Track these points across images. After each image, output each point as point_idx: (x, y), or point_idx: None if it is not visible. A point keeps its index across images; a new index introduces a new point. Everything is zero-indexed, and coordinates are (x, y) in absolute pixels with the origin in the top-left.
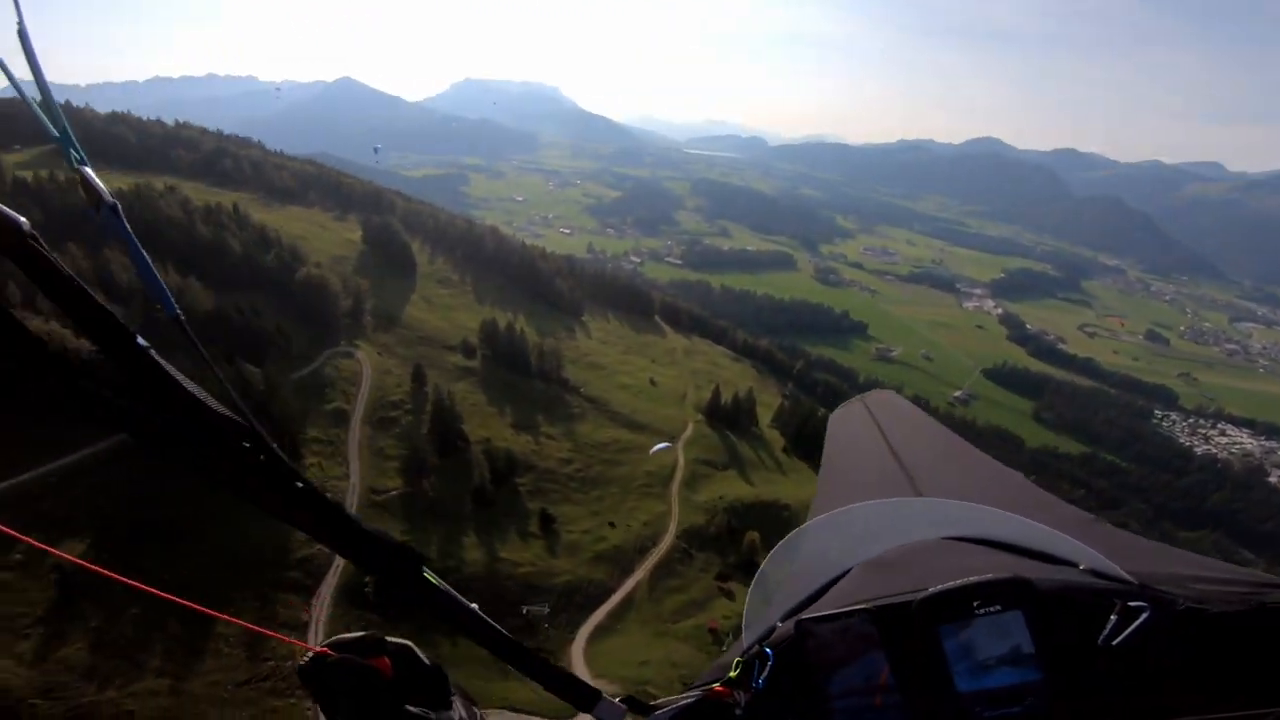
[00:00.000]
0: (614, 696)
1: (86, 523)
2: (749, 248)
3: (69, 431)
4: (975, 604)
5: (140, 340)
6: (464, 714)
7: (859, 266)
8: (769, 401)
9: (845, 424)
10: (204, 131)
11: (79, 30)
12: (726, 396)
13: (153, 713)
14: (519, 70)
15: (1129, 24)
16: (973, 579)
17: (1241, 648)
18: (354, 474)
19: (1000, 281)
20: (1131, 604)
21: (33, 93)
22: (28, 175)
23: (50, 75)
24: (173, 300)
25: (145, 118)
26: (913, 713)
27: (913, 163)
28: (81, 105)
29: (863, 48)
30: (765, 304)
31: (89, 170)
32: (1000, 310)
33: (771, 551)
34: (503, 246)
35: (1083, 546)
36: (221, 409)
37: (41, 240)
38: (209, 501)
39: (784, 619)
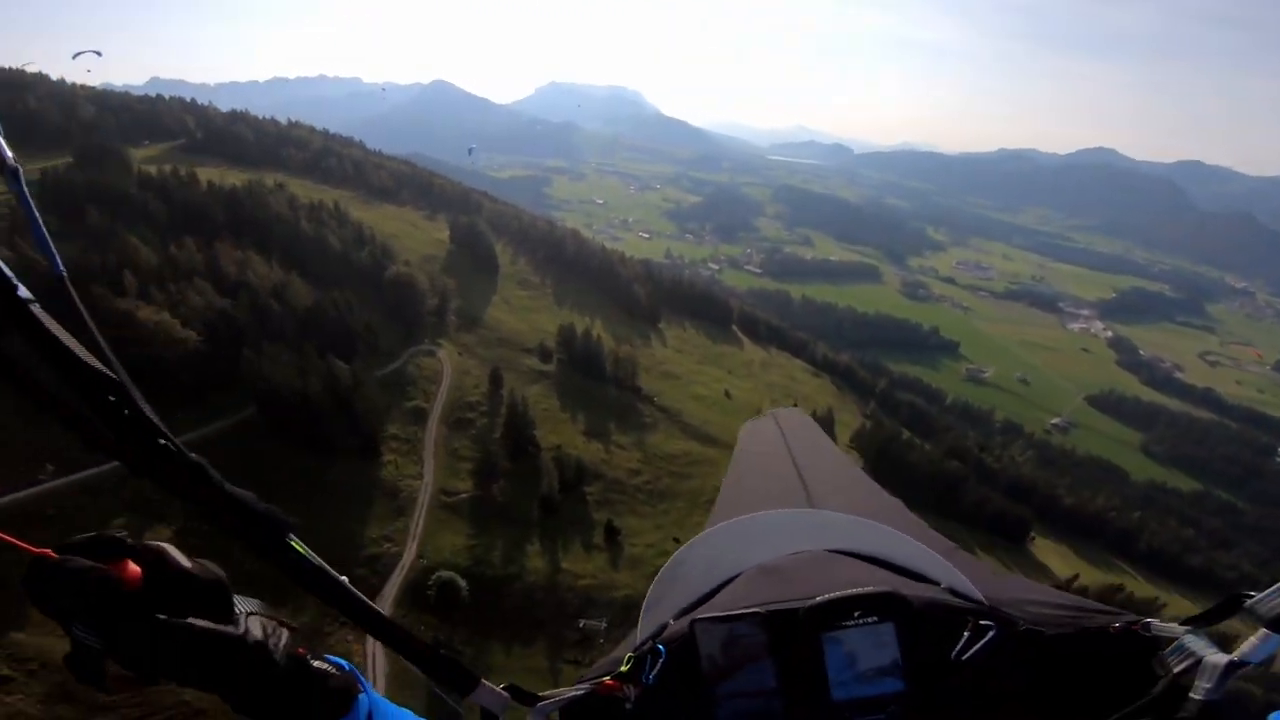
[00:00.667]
0: (498, 685)
1: (180, 508)
2: (831, 258)
3: (184, 421)
4: (856, 614)
5: (22, 291)
6: (256, 629)
7: (950, 281)
8: (848, 421)
9: (755, 436)
10: (312, 130)
11: (211, 33)
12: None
13: (211, 702)
14: (602, 74)
15: (1263, 30)
16: (855, 590)
17: (1070, 668)
18: (428, 473)
19: (1110, 302)
20: (982, 623)
21: None
22: (153, 170)
23: (183, 74)
24: (59, 259)
25: (262, 116)
26: (791, 717)
27: (1014, 173)
28: (207, 104)
29: (957, 54)
30: (847, 317)
31: None
32: (1110, 333)
33: (674, 554)
34: (583, 250)
35: (947, 566)
36: (92, 361)
37: None
38: (291, 497)
39: (677, 617)
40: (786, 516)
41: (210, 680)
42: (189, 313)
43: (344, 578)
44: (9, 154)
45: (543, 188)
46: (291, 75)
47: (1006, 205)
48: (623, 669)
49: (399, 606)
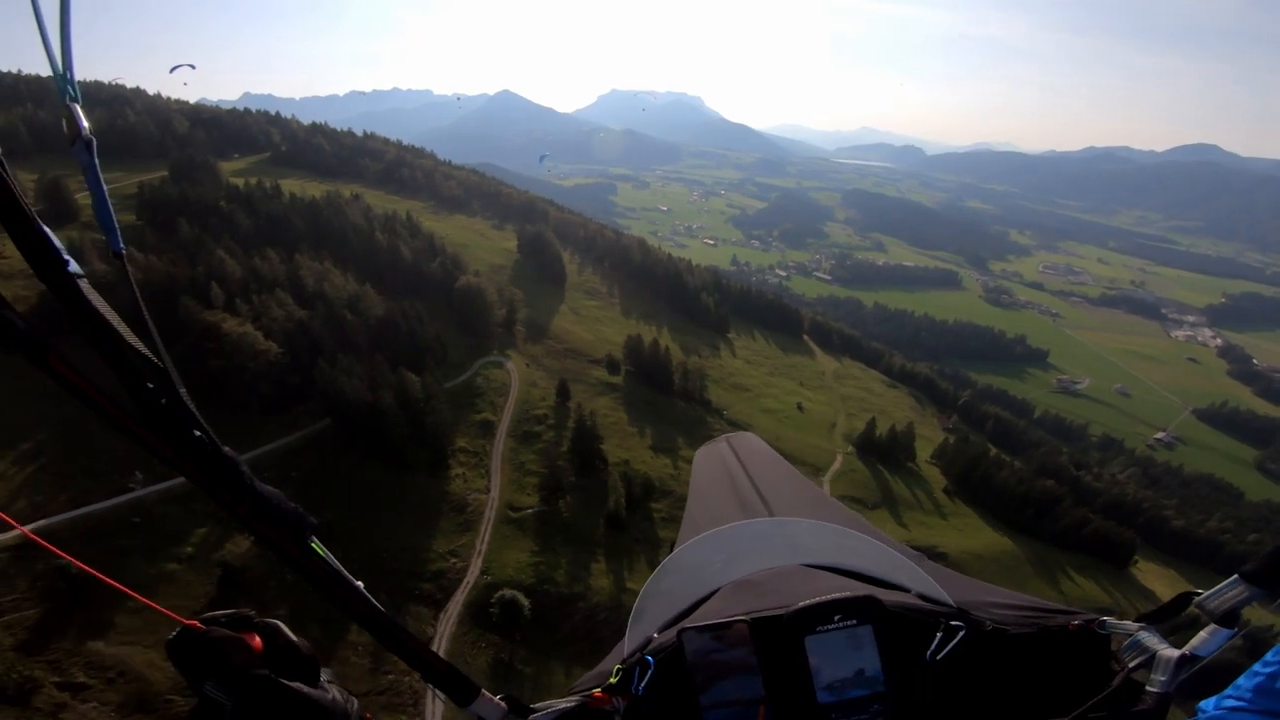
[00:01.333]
0: (497, 697)
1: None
2: (906, 263)
3: (249, 427)
4: (837, 617)
5: (72, 266)
6: (338, 696)
7: (1038, 287)
8: (929, 435)
9: (709, 460)
10: (386, 142)
11: (295, 50)
12: (882, 428)
13: None
14: (662, 81)
15: None
16: (834, 595)
17: (1034, 665)
18: (495, 488)
19: (1221, 308)
20: (953, 624)
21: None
22: (239, 182)
23: (272, 89)
24: (119, 237)
25: (340, 129)
26: None
27: (1105, 172)
28: (291, 117)
29: (1021, 50)
30: (925, 325)
31: (78, 107)
32: (1219, 341)
33: (655, 570)
34: (649, 258)
35: (915, 572)
36: (137, 344)
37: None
38: (362, 510)
39: (662, 629)
40: (761, 525)
41: None
42: (270, 324)
43: (359, 583)
44: (85, 124)
45: (608, 195)
46: (367, 89)
47: (1098, 207)
48: (611, 681)
49: (462, 624)
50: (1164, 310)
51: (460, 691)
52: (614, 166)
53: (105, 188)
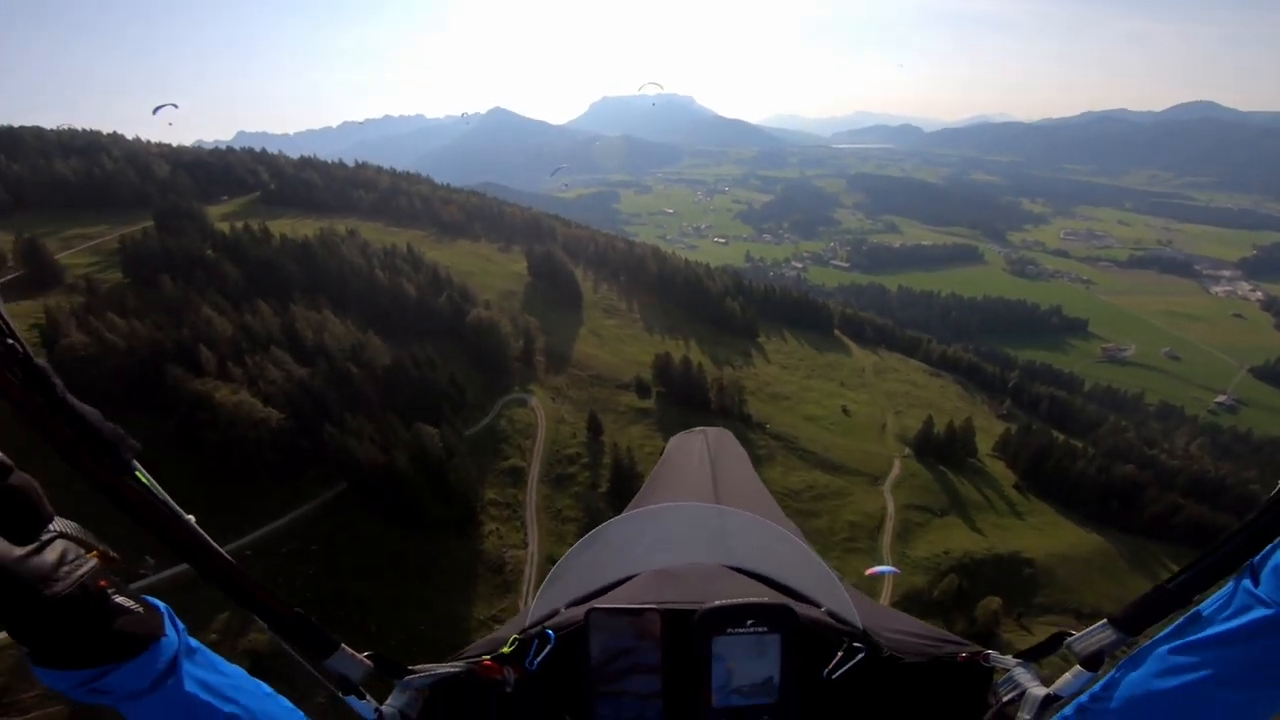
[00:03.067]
0: (362, 654)
1: (289, 590)
2: (924, 243)
3: (258, 499)
4: (749, 621)
5: None
6: (48, 556)
7: (1063, 254)
8: (984, 425)
9: (681, 446)
10: (379, 171)
11: (285, 85)
12: (939, 425)
13: None
14: (640, 90)
15: None
16: (751, 599)
17: (921, 693)
18: (532, 541)
19: (1254, 260)
20: (855, 645)
21: None
22: (226, 227)
23: (265, 126)
24: None
25: (330, 160)
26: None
27: (1106, 135)
28: (289, 152)
29: (1021, 21)
30: (953, 304)
31: None
32: (1260, 294)
33: (576, 542)
34: (666, 266)
35: (832, 589)
36: None
37: None
38: (398, 580)
39: (569, 605)
40: (696, 510)
41: None
42: (268, 387)
43: (191, 517)
44: None
45: (611, 204)
46: (359, 118)
47: (1105, 169)
48: (504, 650)
49: None
50: (1197, 267)
51: (315, 644)
52: (614, 174)
53: None
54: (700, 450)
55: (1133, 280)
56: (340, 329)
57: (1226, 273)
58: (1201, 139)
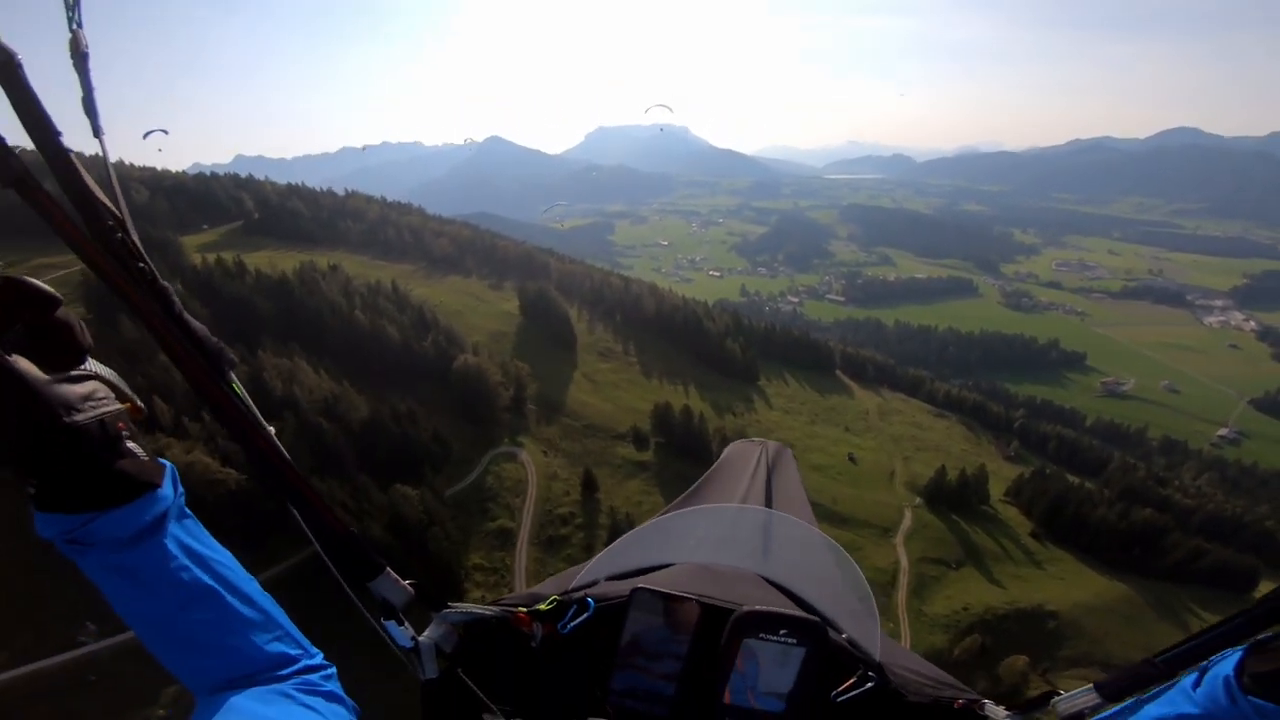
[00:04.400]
0: (405, 580)
1: None
2: (918, 275)
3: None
4: (783, 631)
5: (63, 139)
6: (74, 389)
7: (1056, 286)
8: (992, 468)
9: (741, 453)
10: (369, 200)
11: (285, 109)
12: (950, 473)
13: None
14: (647, 114)
15: None
16: (789, 611)
17: None
18: None
19: (1244, 289)
20: (868, 674)
21: None
22: (198, 260)
23: (264, 150)
24: (100, 120)
25: (322, 189)
26: (677, 705)
27: (1094, 163)
28: (287, 177)
29: (995, 50)
30: (951, 339)
31: (83, 32)
32: (1254, 324)
33: (645, 522)
34: (663, 305)
35: (860, 622)
36: (102, 197)
37: None
38: (377, 659)
39: (610, 579)
40: (759, 515)
41: None
42: (228, 444)
43: (271, 429)
44: (87, 45)
45: (606, 235)
46: (358, 144)
47: (1092, 197)
48: (542, 608)
49: None
50: (1189, 297)
51: (363, 566)
52: (609, 204)
53: (94, 87)
54: (759, 461)
55: (1127, 311)
56: (312, 378)
57: (1219, 302)
58: (1186, 166)
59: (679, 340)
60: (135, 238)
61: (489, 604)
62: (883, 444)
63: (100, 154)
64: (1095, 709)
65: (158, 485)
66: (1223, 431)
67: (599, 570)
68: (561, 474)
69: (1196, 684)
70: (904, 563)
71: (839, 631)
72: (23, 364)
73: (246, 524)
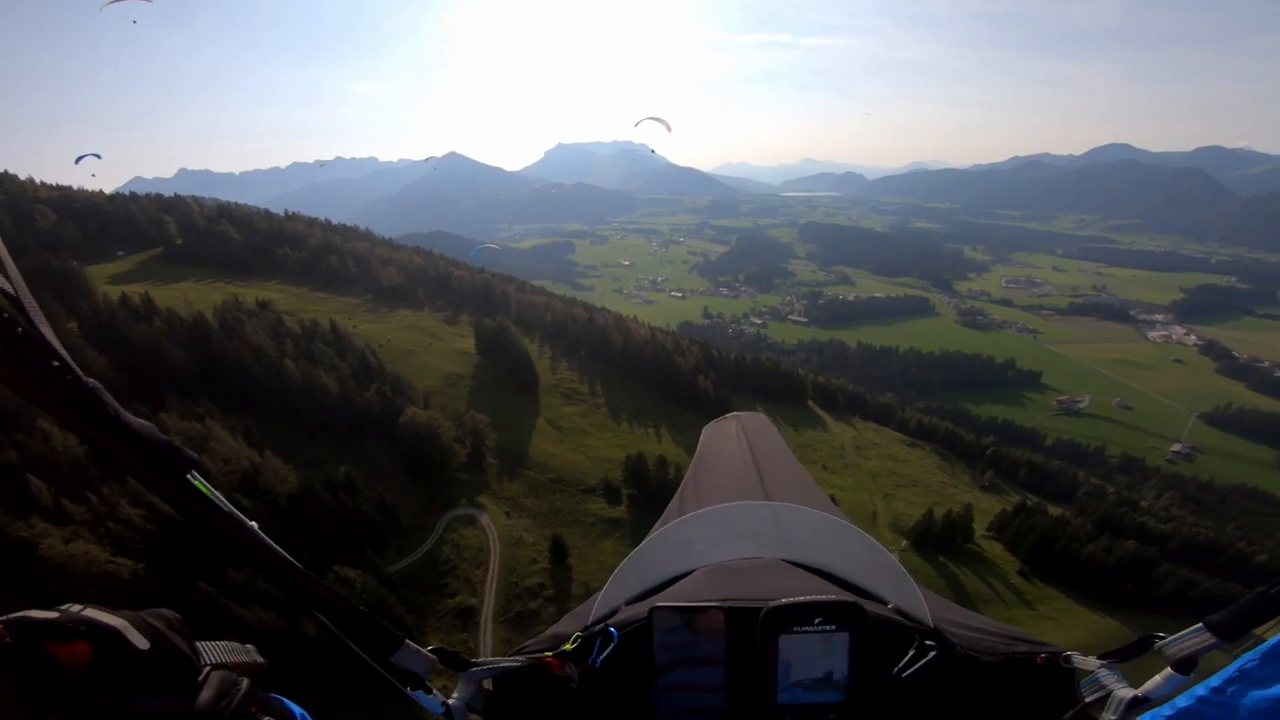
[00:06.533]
0: (426, 648)
1: None
2: (877, 295)
3: None
4: (817, 620)
5: None
6: (207, 694)
7: (1007, 303)
8: (969, 498)
9: (716, 436)
10: (311, 223)
11: (237, 121)
12: (934, 510)
13: None
14: (607, 131)
15: (1249, 13)
16: (819, 597)
17: (997, 693)
18: None
19: (1182, 303)
20: (926, 643)
21: None
22: (113, 293)
23: (209, 165)
24: None
25: (261, 207)
26: (730, 717)
27: (1033, 180)
28: (234, 193)
29: (942, 69)
30: (913, 360)
31: None
32: (1194, 338)
33: (641, 542)
34: (631, 340)
35: (900, 584)
36: None
37: None
38: None
39: (630, 602)
40: (756, 508)
41: None
42: (119, 530)
43: (254, 523)
44: None
45: (566, 255)
46: (309, 159)
47: (1035, 214)
48: (567, 648)
49: None
50: (1132, 312)
51: (381, 642)
52: (569, 223)
53: None
54: (738, 440)
55: (1075, 328)
56: (229, 445)
57: (1159, 317)
58: (1120, 181)
59: (648, 376)
60: (41, 325)
61: (512, 654)
62: (862, 481)
63: None
64: (1208, 649)
65: None
66: (1176, 447)
67: (615, 596)
68: (527, 538)
69: None
70: None
71: (884, 602)
72: (151, 702)
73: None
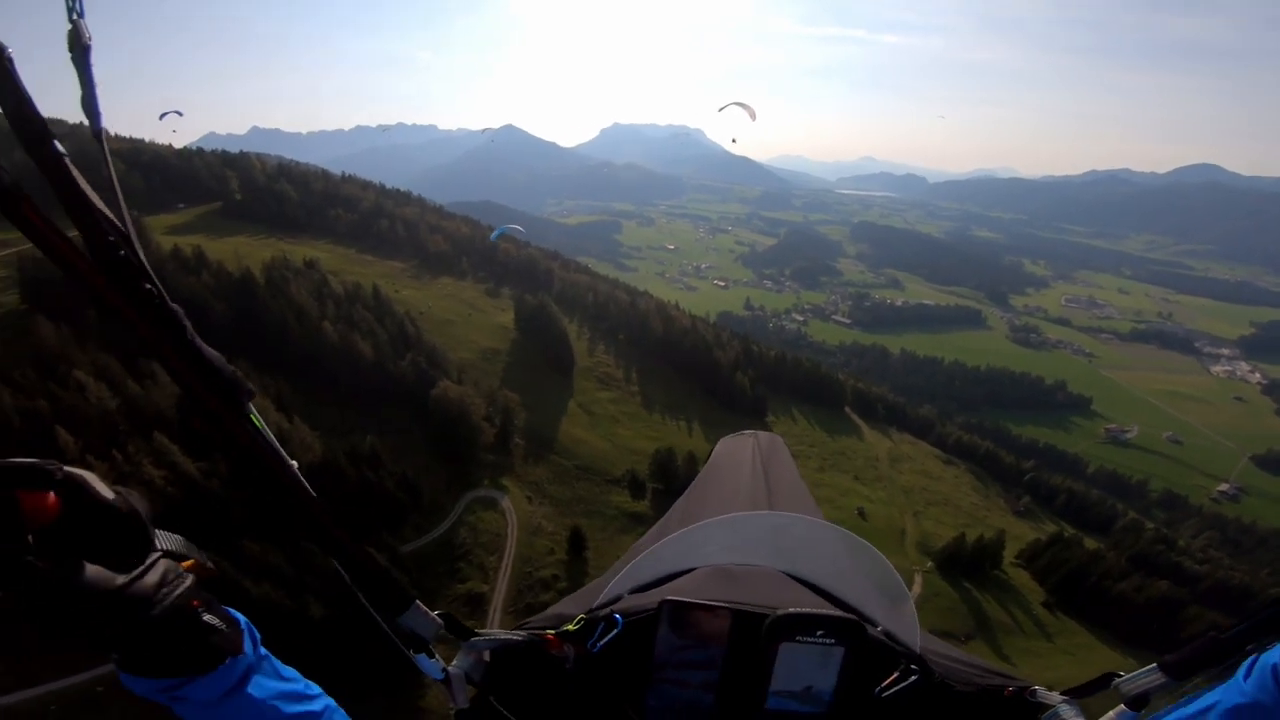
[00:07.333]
0: (433, 611)
1: None
2: (927, 302)
3: None
4: (819, 632)
5: (57, 145)
6: (150, 578)
7: (1064, 323)
8: (1000, 522)
9: (734, 449)
10: (365, 186)
11: (302, 82)
12: (966, 534)
13: None
14: (663, 114)
15: None
16: (826, 610)
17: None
18: None
19: (1252, 339)
20: (911, 667)
21: None
22: (159, 245)
23: (280, 124)
24: (101, 119)
25: (320, 167)
26: (717, 716)
27: (1109, 195)
28: (299, 152)
29: (1017, 73)
30: (957, 373)
31: (83, 21)
32: (1259, 376)
33: (663, 539)
34: (672, 329)
35: (895, 611)
36: (103, 208)
37: None
38: None
39: (633, 592)
40: (776, 519)
41: (73, 626)
42: (141, 490)
43: (294, 462)
44: (88, 35)
45: (613, 234)
46: (373, 123)
47: (1104, 231)
48: (569, 628)
49: None
50: (1197, 344)
51: (392, 600)
52: (618, 202)
53: (96, 84)
54: (751, 456)
55: (1134, 355)
56: (260, 406)
57: (1226, 351)
58: (1203, 204)
59: (685, 368)
60: (141, 254)
61: (515, 629)
62: (893, 496)
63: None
64: (1160, 688)
65: (240, 653)
66: (1223, 487)
67: (622, 585)
68: (547, 526)
69: (1247, 674)
70: None
71: (874, 625)
72: (93, 573)
73: None
